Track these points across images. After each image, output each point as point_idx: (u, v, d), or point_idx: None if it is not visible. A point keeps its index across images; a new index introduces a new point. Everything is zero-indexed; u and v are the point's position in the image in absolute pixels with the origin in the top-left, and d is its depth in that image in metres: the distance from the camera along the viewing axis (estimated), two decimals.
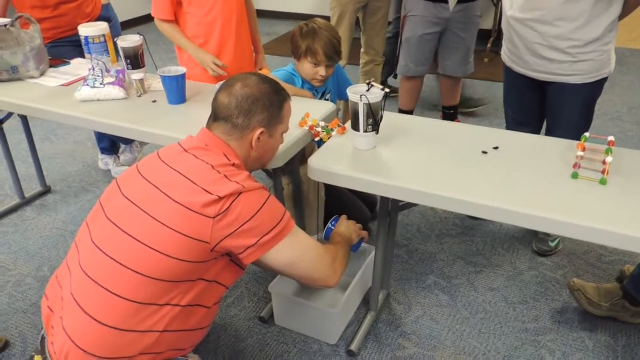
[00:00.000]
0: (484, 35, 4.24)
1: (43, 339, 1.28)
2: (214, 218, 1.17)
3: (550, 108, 2.00)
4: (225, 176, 1.22)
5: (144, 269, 1.16)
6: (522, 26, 1.87)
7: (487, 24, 4.70)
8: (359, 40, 3.23)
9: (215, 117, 1.33)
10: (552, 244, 2.18)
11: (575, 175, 1.34)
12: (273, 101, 1.32)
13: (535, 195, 1.28)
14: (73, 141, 3.31)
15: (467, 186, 1.34)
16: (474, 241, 2.29)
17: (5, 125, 2.48)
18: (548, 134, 2.06)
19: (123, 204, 1.24)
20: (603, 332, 1.82)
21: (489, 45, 4.43)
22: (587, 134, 1.45)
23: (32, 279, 2.15)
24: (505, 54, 2.07)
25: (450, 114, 3.11)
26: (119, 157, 2.93)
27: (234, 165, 1.27)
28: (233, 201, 1.18)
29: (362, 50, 3.21)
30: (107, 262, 1.19)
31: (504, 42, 2.06)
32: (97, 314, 1.16)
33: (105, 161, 2.93)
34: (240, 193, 1.19)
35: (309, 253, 1.31)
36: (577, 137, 1.89)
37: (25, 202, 2.66)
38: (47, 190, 2.77)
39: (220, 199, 1.17)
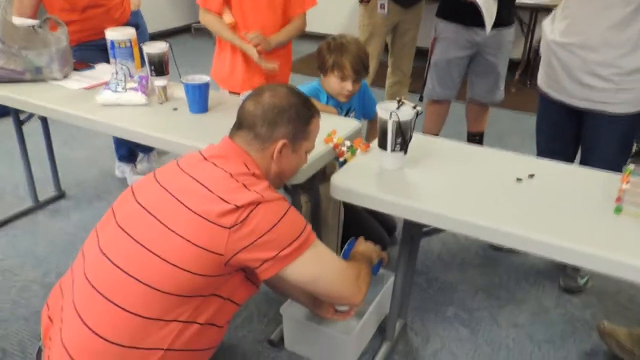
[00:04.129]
0: (512, 65, 4.17)
1: (40, 350, 1.21)
2: (229, 228, 1.10)
3: (586, 138, 1.91)
4: (244, 185, 1.15)
5: (152, 280, 1.09)
6: (562, 50, 1.79)
7: (516, 53, 4.61)
8: (384, 63, 3.18)
9: (239, 124, 1.27)
10: (581, 281, 2.07)
11: (618, 210, 1.25)
12: (300, 115, 1.26)
13: (577, 228, 1.19)
14: (92, 147, 3.29)
15: (501, 214, 1.25)
16: (496, 273, 2.18)
17: (26, 128, 2.46)
18: (583, 163, 1.96)
19: (135, 210, 1.18)
20: None
21: (517, 76, 4.36)
22: (631, 166, 1.35)
23: (37, 285, 2.09)
24: (541, 79, 1.98)
25: (475, 140, 3.02)
26: (135, 166, 2.89)
27: (253, 174, 1.20)
28: (251, 211, 1.11)
29: (389, 71, 3.16)
30: (112, 270, 1.12)
31: (541, 67, 1.99)
32: (98, 327, 1.08)
33: (121, 169, 2.89)
34: (259, 203, 1.12)
35: (332, 268, 1.24)
36: (613, 169, 1.79)
37: (38, 206, 2.62)
38: (61, 195, 2.73)
39: (237, 208, 1.10)
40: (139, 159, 2.92)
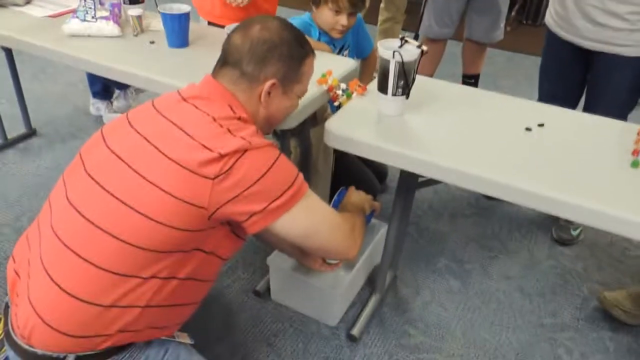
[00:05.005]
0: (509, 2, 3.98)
1: (7, 306, 1.11)
2: (213, 179, 0.98)
3: (594, 81, 1.79)
4: (229, 130, 1.02)
5: (126, 235, 0.98)
6: None
7: None
8: None
9: (224, 60, 1.13)
10: (574, 232, 2.02)
11: (635, 164, 1.16)
12: (293, 53, 1.12)
13: (593, 184, 1.10)
14: (64, 81, 3.08)
15: (509, 168, 1.15)
16: (489, 223, 2.12)
17: None
18: (587, 109, 1.86)
19: (106, 156, 1.05)
20: (626, 333, 1.68)
21: (512, 13, 4.15)
22: None
23: (9, 229, 1.97)
24: (550, 17, 1.83)
25: (470, 83, 2.89)
26: (111, 103, 2.71)
27: (239, 118, 1.07)
28: (237, 160, 0.99)
29: (382, 5, 2.96)
30: (81, 223, 1.00)
31: (550, 4, 1.83)
32: (68, 284, 0.99)
33: (96, 106, 2.71)
34: (246, 150, 1.00)
35: (326, 220, 1.14)
36: (621, 115, 1.69)
37: (7, 145, 2.46)
38: (32, 133, 2.57)
39: (222, 156, 0.98)
40: (115, 95, 2.74)
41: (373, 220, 1.72)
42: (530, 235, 2.06)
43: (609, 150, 1.22)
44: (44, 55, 1.70)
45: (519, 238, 2.05)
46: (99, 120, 2.69)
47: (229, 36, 1.13)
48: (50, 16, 1.86)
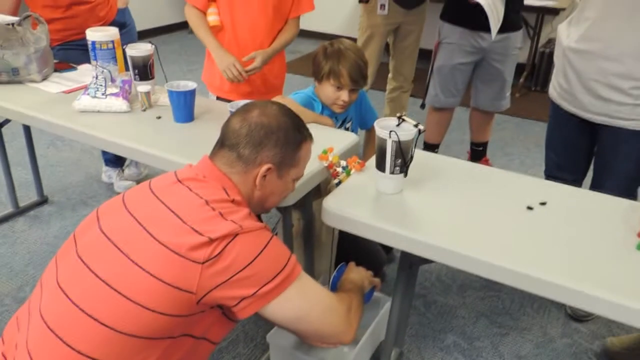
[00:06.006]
0: (517, 69, 4.04)
1: None
2: (202, 263, 0.97)
3: (601, 154, 1.77)
4: (220, 214, 1.02)
5: (113, 320, 0.96)
6: (579, 59, 1.65)
7: (522, 57, 4.45)
8: (385, 65, 3.05)
9: (222, 143, 1.15)
10: None
11: None
12: (290, 138, 1.13)
13: (595, 268, 1.07)
14: (79, 149, 3.15)
15: (510, 251, 1.12)
16: (499, 297, 2.05)
17: (13, 128, 2.33)
18: (594, 183, 1.83)
19: (96, 238, 1.05)
20: None
21: (521, 80, 4.22)
22: None
23: (11, 299, 1.96)
24: (554, 90, 1.84)
25: (479, 150, 2.90)
26: (123, 171, 2.76)
27: (233, 201, 1.08)
28: (227, 244, 0.98)
29: (390, 75, 3.03)
30: (68, 308, 0.99)
31: (554, 76, 1.85)
32: None
33: (108, 174, 2.76)
34: (236, 234, 1.00)
35: (319, 303, 1.10)
36: (630, 189, 1.66)
37: (19, 212, 2.50)
38: (43, 201, 2.60)
39: (212, 240, 0.98)
40: (126, 163, 2.79)
41: (377, 294, 1.67)
42: (543, 311, 1.98)
43: (613, 232, 1.18)
44: (55, 131, 1.76)
45: (531, 313, 1.97)
46: (110, 188, 2.73)
47: (228, 120, 1.15)
48: (64, 92, 1.93)
